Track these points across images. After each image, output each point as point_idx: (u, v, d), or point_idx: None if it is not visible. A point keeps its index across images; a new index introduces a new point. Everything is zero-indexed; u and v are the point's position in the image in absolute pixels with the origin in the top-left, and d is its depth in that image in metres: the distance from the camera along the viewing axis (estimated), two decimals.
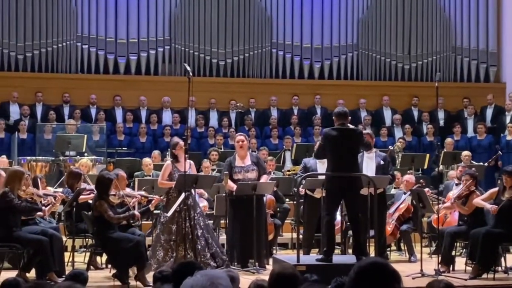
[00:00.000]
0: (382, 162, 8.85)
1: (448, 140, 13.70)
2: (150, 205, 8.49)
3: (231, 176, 8.38)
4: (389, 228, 9.40)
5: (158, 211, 9.97)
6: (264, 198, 8.73)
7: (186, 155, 8.39)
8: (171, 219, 8.19)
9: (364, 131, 9.30)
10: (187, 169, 8.26)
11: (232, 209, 8.39)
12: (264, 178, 8.46)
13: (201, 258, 8.09)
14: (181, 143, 8.50)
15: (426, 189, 9.29)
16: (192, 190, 8.35)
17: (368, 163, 8.81)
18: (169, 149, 12.90)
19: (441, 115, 15.17)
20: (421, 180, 10.19)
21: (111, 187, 7.82)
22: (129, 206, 7.90)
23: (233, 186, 8.25)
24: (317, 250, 9.70)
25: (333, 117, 7.66)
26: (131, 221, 8.29)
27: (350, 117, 7.68)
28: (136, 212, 7.97)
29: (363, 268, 2.74)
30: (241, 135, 8.64)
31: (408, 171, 11.59)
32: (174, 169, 8.37)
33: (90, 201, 8.22)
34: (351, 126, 7.68)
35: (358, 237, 7.52)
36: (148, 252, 8.32)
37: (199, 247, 8.15)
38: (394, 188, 10.41)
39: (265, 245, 8.48)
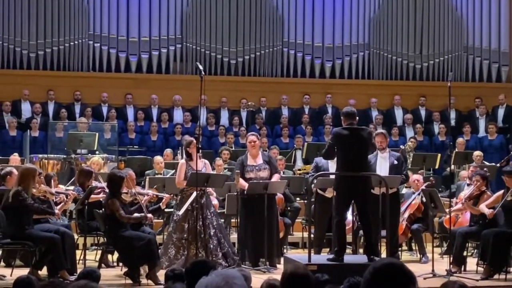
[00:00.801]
0: (395, 162, 8.82)
1: (460, 140, 13.65)
2: (160, 204, 8.50)
3: (242, 175, 8.38)
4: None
5: (170, 210, 10.02)
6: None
7: (199, 154, 8.40)
8: (183, 217, 8.21)
9: (378, 131, 9.28)
10: (201, 168, 8.28)
11: (244, 208, 8.39)
12: (275, 177, 8.45)
13: (213, 257, 8.10)
14: (195, 141, 8.51)
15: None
16: (211, 189, 8.37)
17: (382, 163, 8.79)
18: (180, 147, 13.07)
19: (452, 114, 15.12)
20: (430, 178, 10.15)
21: (123, 185, 7.83)
22: (141, 204, 7.91)
23: (244, 184, 8.25)
24: (328, 249, 9.70)
25: (341, 117, 7.65)
26: (144, 222, 8.30)
27: (357, 117, 7.66)
28: (149, 215, 7.97)
29: (378, 269, 2.72)
30: (253, 135, 8.63)
31: (419, 171, 11.55)
32: (188, 167, 8.38)
33: (102, 199, 8.24)
34: (360, 127, 7.66)
35: (369, 237, 7.50)
36: (159, 250, 8.35)
37: (211, 246, 8.16)
38: (406, 187, 10.38)
39: (277, 245, 8.47)
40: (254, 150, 8.44)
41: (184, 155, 8.77)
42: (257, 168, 8.40)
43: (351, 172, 7.36)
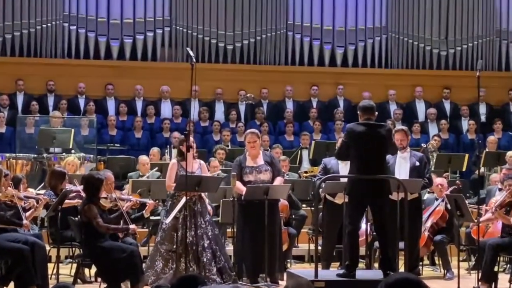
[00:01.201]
0: (417, 163, 8.82)
1: (491, 138, 13.66)
2: (144, 211, 8.51)
3: (240, 177, 8.38)
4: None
5: (157, 217, 10.03)
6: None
7: (195, 154, 8.40)
8: (173, 226, 8.21)
9: (398, 127, 9.27)
10: (195, 170, 8.28)
11: (242, 216, 8.38)
12: (278, 181, 8.44)
13: (206, 273, 8.10)
14: (192, 139, 8.51)
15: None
16: (203, 195, 8.37)
17: (402, 164, 8.79)
18: (169, 146, 13.08)
19: (482, 109, 15.11)
20: (457, 181, 10.16)
21: (102, 189, 7.83)
22: (123, 212, 7.92)
23: (242, 189, 8.25)
24: (338, 263, 9.70)
25: (358, 112, 7.64)
26: (131, 233, 8.31)
27: (377, 112, 7.65)
28: (132, 226, 7.97)
29: (391, 285, 2.73)
30: (252, 133, 8.56)
31: (444, 174, 11.56)
32: (180, 168, 8.37)
33: (78, 205, 8.24)
34: (378, 123, 7.65)
35: (386, 249, 7.50)
36: (144, 263, 8.34)
37: (205, 259, 8.16)
38: (428, 192, 10.39)
39: (279, 258, 8.48)
40: (254, 150, 8.44)
41: (175, 155, 8.74)
42: (257, 169, 8.39)
43: (366, 175, 7.36)
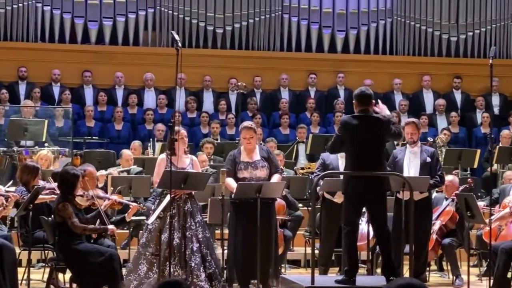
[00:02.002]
0: (428, 159, 8.82)
1: (505, 132, 13.67)
2: (126, 215, 8.48)
3: (234, 173, 8.36)
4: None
5: (139, 217, 10.02)
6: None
7: (187, 149, 8.41)
8: (159, 227, 8.19)
9: (409, 120, 9.24)
10: (185, 166, 8.28)
11: (235, 216, 8.36)
12: (276, 178, 8.42)
13: (193, 279, 8.09)
14: (183, 131, 8.50)
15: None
16: (193, 194, 8.37)
17: (411, 160, 8.80)
18: (152, 139, 13.06)
19: (495, 100, 15.12)
20: (468, 180, 10.17)
21: (78, 186, 7.82)
22: (100, 211, 7.90)
23: (234, 186, 8.23)
24: (337, 269, 9.70)
25: (353, 101, 7.63)
26: (103, 235, 8.29)
27: (374, 101, 7.63)
28: (110, 226, 7.96)
29: None
30: (249, 129, 8.45)
31: (454, 171, 11.57)
32: (168, 163, 8.34)
33: (51, 203, 8.22)
34: (376, 114, 7.62)
35: (388, 252, 7.51)
36: (125, 267, 8.32)
37: (193, 264, 8.15)
38: (437, 192, 10.40)
39: (273, 263, 8.47)
40: (250, 146, 8.43)
41: (159, 148, 8.72)
42: (253, 165, 8.36)
43: (362, 171, 7.35)
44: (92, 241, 8.11)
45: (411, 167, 8.75)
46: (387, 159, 8.77)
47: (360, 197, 7.45)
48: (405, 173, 8.63)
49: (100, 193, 8.59)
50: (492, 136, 10.48)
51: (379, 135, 7.50)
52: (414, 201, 7.80)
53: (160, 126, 13.28)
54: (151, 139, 13.14)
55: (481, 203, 9.97)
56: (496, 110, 15.06)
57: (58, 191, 8.05)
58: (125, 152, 11.64)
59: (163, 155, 8.48)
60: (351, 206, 7.48)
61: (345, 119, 7.57)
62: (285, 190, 9.56)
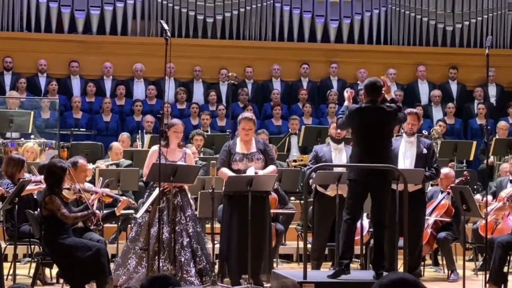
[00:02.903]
0: (425, 151, 8.84)
1: (502, 123, 13.69)
2: (115, 209, 8.47)
3: (228, 165, 8.36)
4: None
5: (128, 211, 10.01)
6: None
7: (181, 142, 8.43)
8: (149, 220, 8.19)
9: (410, 110, 9.25)
10: (176, 159, 8.29)
11: (229, 208, 8.36)
12: (270, 169, 8.41)
13: (183, 274, 8.10)
14: (178, 125, 8.49)
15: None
16: (186, 187, 8.36)
17: (407, 150, 8.81)
18: (140, 131, 13.03)
19: (492, 91, 15.14)
20: (464, 173, 10.19)
21: (65, 179, 7.80)
22: (88, 204, 7.90)
23: (229, 175, 8.21)
24: (330, 263, 9.72)
25: (364, 90, 7.68)
26: (89, 225, 8.28)
27: (383, 92, 7.65)
28: (97, 211, 7.98)
29: (386, 286, 2.72)
30: (249, 120, 8.42)
31: (450, 164, 11.59)
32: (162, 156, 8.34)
33: (37, 196, 8.20)
34: (384, 105, 7.62)
35: (381, 245, 7.53)
36: (112, 261, 8.32)
37: (183, 259, 8.16)
38: (432, 185, 10.42)
39: (266, 257, 8.47)
40: (248, 137, 8.43)
41: (148, 141, 8.70)
42: (248, 157, 8.36)
43: (369, 161, 7.39)
44: (86, 232, 8.12)
45: (407, 157, 8.77)
46: None
47: (364, 187, 7.47)
48: (401, 163, 8.66)
49: (87, 186, 8.58)
50: (489, 127, 10.51)
51: (387, 127, 7.57)
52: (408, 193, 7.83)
53: (149, 118, 13.27)
54: (139, 131, 13.13)
55: (478, 197, 10.01)
56: (493, 101, 15.09)
57: (44, 184, 8.03)
58: (115, 145, 11.61)
59: (155, 147, 8.47)
60: (355, 194, 7.50)
61: (353, 109, 7.61)
62: (276, 183, 9.55)
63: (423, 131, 12.79)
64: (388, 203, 7.61)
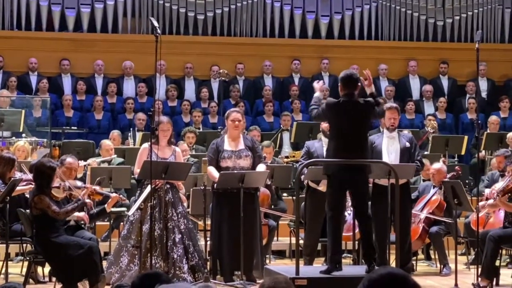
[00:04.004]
0: (408, 145, 8.86)
1: (493, 118, 13.73)
2: (106, 205, 8.46)
3: (217, 162, 8.36)
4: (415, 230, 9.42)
5: (120, 209, 10.01)
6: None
7: (172, 140, 8.45)
8: (141, 218, 8.19)
9: (389, 104, 9.28)
10: (166, 157, 8.30)
11: (218, 206, 8.37)
12: (261, 168, 8.44)
13: (176, 270, 8.11)
14: (165, 123, 8.49)
15: None
16: (179, 184, 8.37)
17: (390, 145, 8.81)
18: (132, 129, 13.02)
19: (483, 85, 15.16)
20: (456, 168, 10.21)
21: (54, 178, 7.79)
22: (80, 198, 7.89)
23: (216, 175, 8.24)
24: (322, 259, 9.73)
25: (339, 83, 7.65)
26: (81, 223, 8.28)
27: (360, 84, 7.64)
28: (88, 200, 7.98)
29: (375, 281, 2.73)
30: (237, 112, 8.59)
31: (441, 158, 11.60)
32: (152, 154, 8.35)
33: (29, 191, 8.19)
34: (361, 99, 7.61)
35: (368, 238, 7.53)
36: (105, 259, 8.31)
37: (175, 256, 8.17)
38: (424, 180, 10.43)
39: (258, 254, 8.48)
40: (237, 131, 8.44)
41: (139, 138, 8.70)
42: (236, 154, 8.37)
43: (345, 155, 7.37)
44: (77, 230, 8.11)
45: (391, 152, 8.78)
46: None
47: (342, 181, 7.46)
48: (385, 159, 8.68)
49: (77, 182, 8.55)
50: (479, 121, 10.53)
51: (364, 121, 7.53)
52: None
53: (141, 115, 13.25)
54: (131, 129, 13.11)
55: (487, 191, 9.93)
56: (484, 95, 15.11)
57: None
58: (105, 142, 11.62)
59: (146, 145, 8.50)
60: (334, 190, 7.50)
61: (330, 103, 7.58)
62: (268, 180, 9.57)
63: (421, 131, 12.86)
64: (368, 193, 7.61)
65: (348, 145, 7.43)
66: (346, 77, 7.56)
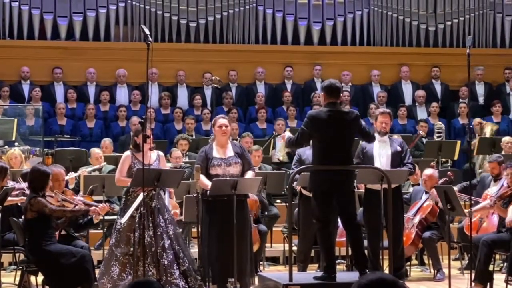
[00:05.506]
0: (399, 149, 8.87)
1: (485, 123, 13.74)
2: (93, 216, 8.41)
3: (206, 170, 8.35)
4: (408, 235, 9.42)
5: (112, 217, 9.98)
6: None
7: (152, 145, 8.38)
8: (129, 226, 8.18)
9: (382, 110, 9.29)
10: (152, 162, 8.26)
11: (208, 214, 8.36)
12: (250, 175, 8.43)
13: (168, 277, 8.09)
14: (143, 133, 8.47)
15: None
16: (161, 190, 8.35)
17: (381, 149, 8.81)
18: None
19: (480, 90, 15.20)
20: (448, 173, 10.22)
21: (49, 183, 7.78)
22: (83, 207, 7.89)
23: (207, 183, 8.23)
24: (316, 265, 9.73)
25: (322, 92, 7.65)
26: (72, 232, 8.26)
27: (342, 94, 7.66)
28: (101, 205, 7.97)
29: (364, 286, 2.72)
30: (224, 118, 8.61)
31: (432, 163, 11.61)
32: (134, 161, 8.35)
33: (21, 203, 8.17)
34: (345, 108, 7.65)
35: (358, 245, 7.51)
36: (98, 268, 8.29)
37: (165, 262, 8.14)
38: (412, 185, 10.44)
39: (250, 260, 8.48)
40: (225, 137, 8.43)
41: (130, 146, 8.68)
42: (226, 162, 8.36)
43: (331, 165, 7.35)
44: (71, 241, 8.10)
45: (382, 156, 8.78)
46: None
47: (327, 194, 7.43)
48: (377, 163, 8.68)
49: (68, 197, 8.48)
50: (471, 126, 10.56)
51: (348, 130, 7.50)
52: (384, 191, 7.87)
53: (135, 120, 13.19)
54: (125, 135, 13.10)
55: (494, 189, 9.92)
56: (481, 100, 15.14)
57: (28, 192, 8.00)
58: (94, 150, 11.64)
59: (128, 152, 8.51)
60: (320, 202, 7.47)
61: (313, 114, 7.58)
62: (261, 189, 9.57)
63: (414, 135, 12.87)
64: (354, 203, 7.60)
65: (333, 155, 7.38)
66: (329, 86, 7.55)
